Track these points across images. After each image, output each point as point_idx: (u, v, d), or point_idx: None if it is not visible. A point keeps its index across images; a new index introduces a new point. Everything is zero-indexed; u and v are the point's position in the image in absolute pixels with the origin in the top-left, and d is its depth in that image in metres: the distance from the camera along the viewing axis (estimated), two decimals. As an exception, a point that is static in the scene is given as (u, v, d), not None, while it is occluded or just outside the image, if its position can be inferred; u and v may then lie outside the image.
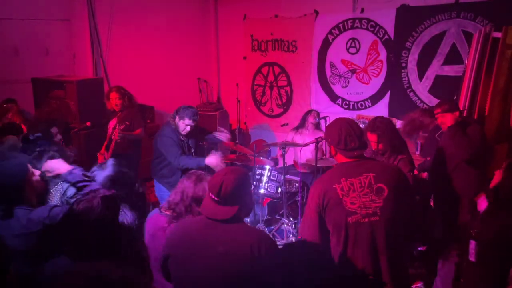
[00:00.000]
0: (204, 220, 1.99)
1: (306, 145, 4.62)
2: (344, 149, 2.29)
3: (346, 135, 2.29)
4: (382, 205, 2.19)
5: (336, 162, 4.55)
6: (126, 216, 2.39)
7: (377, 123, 3.36)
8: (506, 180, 2.27)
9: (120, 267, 1.76)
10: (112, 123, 4.70)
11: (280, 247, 2.13)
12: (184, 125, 4.05)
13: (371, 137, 3.33)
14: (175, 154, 3.99)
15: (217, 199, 1.93)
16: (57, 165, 2.60)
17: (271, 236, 4.65)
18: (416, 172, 3.79)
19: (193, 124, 4.05)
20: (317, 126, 5.39)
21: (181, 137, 4.12)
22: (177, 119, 4.06)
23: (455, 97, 4.65)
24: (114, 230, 1.99)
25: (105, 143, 4.64)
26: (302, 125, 5.43)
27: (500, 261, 2.04)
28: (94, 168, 2.59)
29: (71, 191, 2.73)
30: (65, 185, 2.78)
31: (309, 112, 5.46)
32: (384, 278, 2.22)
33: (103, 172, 2.52)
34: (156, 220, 2.47)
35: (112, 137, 4.52)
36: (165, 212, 2.49)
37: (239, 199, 1.94)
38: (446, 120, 3.48)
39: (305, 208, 2.32)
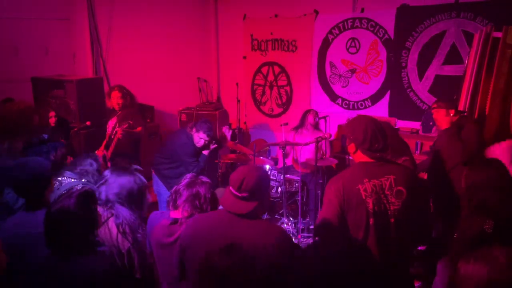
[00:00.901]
0: (225, 214, 2.02)
1: (306, 144, 4.62)
2: (368, 149, 2.25)
3: (372, 136, 2.24)
4: (399, 208, 2.19)
5: (335, 162, 4.52)
6: (123, 214, 2.38)
7: None
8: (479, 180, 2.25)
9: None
10: (112, 122, 4.70)
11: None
12: (199, 138, 4.23)
13: None
14: (192, 163, 4.20)
15: (238, 193, 1.97)
16: None
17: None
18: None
19: (207, 138, 4.23)
20: (316, 126, 5.38)
21: (196, 148, 4.30)
22: (193, 131, 4.25)
23: (455, 97, 4.65)
24: (93, 226, 1.98)
25: (104, 142, 4.64)
26: (301, 125, 5.42)
27: None
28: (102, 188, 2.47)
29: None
30: (70, 182, 2.78)
31: (308, 111, 5.44)
32: (392, 278, 2.24)
33: (108, 189, 2.41)
34: (166, 229, 2.34)
35: (113, 136, 4.53)
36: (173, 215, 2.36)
37: (259, 195, 1.99)
38: (439, 116, 3.50)
39: (323, 208, 2.26)
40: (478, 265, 1.47)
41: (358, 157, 2.31)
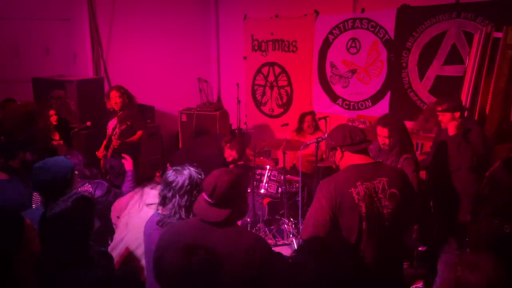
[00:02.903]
0: (198, 222, 1.93)
1: (306, 145, 4.62)
2: (351, 143, 2.24)
3: (349, 131, 2.28)
4: (392, 210, 2.16)
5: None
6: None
7: (388, 118, 3.35)
8: (501, 182, 2.23)
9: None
10: (112, 123, 4.69)
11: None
12: (230, 154, 4.41)
13: (382, 132, 3.27)
14: None
15: (210, 200, 1.88)
16: None
17: (269, 238, 4.66)
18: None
19: (236, 158, 4.46)
20: (316, 126, 5.39)
21: (225, 160, 4.50)
22: (227, 146, 4.41)
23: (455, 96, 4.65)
24: (89, 232, 1.93)
25: (104, 142, 4.64)
26: (300, 128, 5.44)
27: None
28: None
29: None
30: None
31: (306, 113, 5.48)
32: (386, 279, 2.22)
33: None
34: (152, 221, 2.32)
35: (112, 137, 4.52)
36: (161, 212, 2.32)
37: (232, 202, 1.89)
38: (445, 119, 3.49)
39: (312, 207, 2.21)
40: (475, 275, 1.46)
41: (347, 160, 2.28)
